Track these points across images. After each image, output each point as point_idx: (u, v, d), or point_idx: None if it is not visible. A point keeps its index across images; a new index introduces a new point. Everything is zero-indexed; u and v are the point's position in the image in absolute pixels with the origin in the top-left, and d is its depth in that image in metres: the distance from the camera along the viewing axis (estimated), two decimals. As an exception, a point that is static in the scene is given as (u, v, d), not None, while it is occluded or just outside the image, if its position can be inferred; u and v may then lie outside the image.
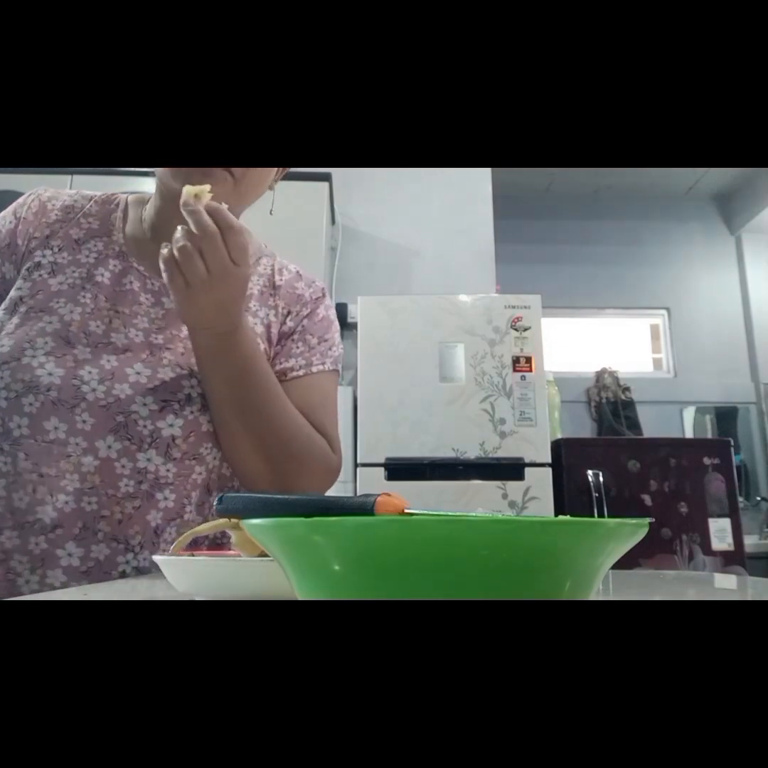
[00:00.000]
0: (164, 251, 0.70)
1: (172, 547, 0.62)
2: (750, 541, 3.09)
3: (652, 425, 4.05)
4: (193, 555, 0.54)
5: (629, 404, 4.11)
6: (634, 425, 4.06)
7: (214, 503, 0.41)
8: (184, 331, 0.82)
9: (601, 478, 2.74)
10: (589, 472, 2.75)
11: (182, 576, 0.48)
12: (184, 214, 0.68)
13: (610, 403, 4.10)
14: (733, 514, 2.75)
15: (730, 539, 2.71)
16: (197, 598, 0.48)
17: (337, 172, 3.02)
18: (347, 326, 2.89)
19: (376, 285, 3.13)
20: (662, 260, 4.43)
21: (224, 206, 0.69)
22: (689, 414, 4.17)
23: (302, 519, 0.31)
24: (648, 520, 0.32)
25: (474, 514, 0.31)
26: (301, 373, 0.88)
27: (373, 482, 2.46)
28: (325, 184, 2.88)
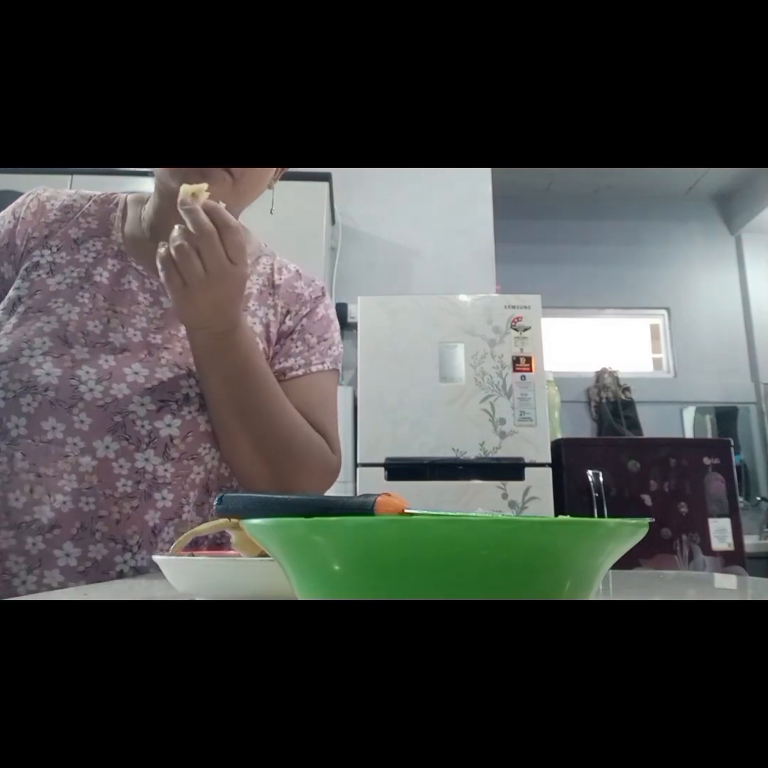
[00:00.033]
0: (161, 250, 0.69)
1: (172, 547, 0.62)
2: (750, 541, 3.09)
3: (652, 425, 4.05)
4: (193, 555, 0.54)
5: (629, 404, 4.11)
6: (634, 425, 4.06)
7: (214, 503, 0.41)
8: (183, 330, 0.82)
9: (601, 478, 2.74)
10: (589, 472, 2.75)
11: (182, 576, 0.48)
12: (181, 213, 0.68)
13: (610, 403, 4.10)
14: (733, 514, 2.75)
15: (730, 539, 2.71)
16: (197, 598, 0.48)
17: (337, 172, 3.02)
18: (347, 326, 2.89)
19: (376, 285, 3.13)
20: (662, 260, 4.43)
21: (222, 205, 0.69)
22: (689, 414, 4.17)
23: (302, 519, 0.31)
24: (648, 520, 0.32)
25: (474, 514, 0.31)
26: (300, 372, 0.88)
27: (373, 482, 2.46)
28: (325, 184, 2.89)
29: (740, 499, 2.98)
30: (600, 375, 4.20)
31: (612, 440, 3.47)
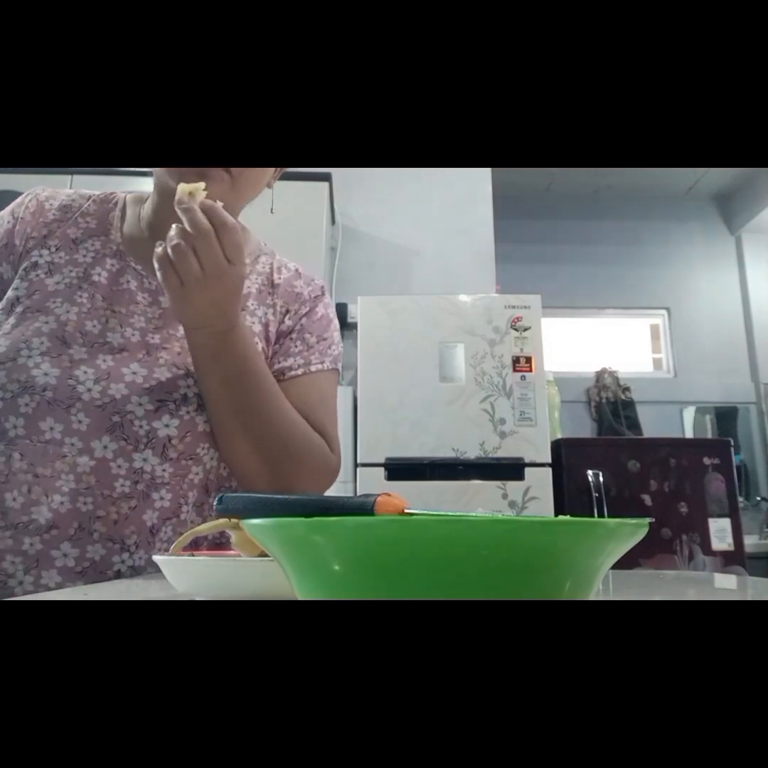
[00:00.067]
0: (159, 250, 0.69)
1: (172, 547, 0.62)
2: (750, 541, 3.09)
3: (652, 425, 4.05)
4: (193, 555, 0.54)
5: (629, 404, 4.11)
6: (634, 425, 4.06)
7: (214, 503, 0.41)
8: (181, 330, 0.81)
9: (601, 478, 2.74)
10: (589, 472, 2.75)
11: (182, 576, 0.48)
12: (178, 212, 0.68)
13: (610, 403, 4.10)
14: (733, 514, 2.75)
15: (730, 539, 2.71)
16: (197, 598, 0.48)
17: (337, 172, 3.02)
18: (347, 326, 2.89)
19: (376, 285, 3.13)
20: (662, 260, 4.43)
21: (219, 204, 0.69)
22: (689, 414, 4.17)
23: (302, 519, 0.31)
24: (648, 520, 0.32)
25: (474, 514, 0.31)
26: (299, 372, 0.88)
27: (373, 482, 2.46)
28: (325, 184, 2.89)
29: (740, 499, 2.98)
30: (600, 375, 4.20)
31: (612, 440, 3.47)
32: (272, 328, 0.89)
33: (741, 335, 4.33)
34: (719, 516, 2.74)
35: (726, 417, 4.14)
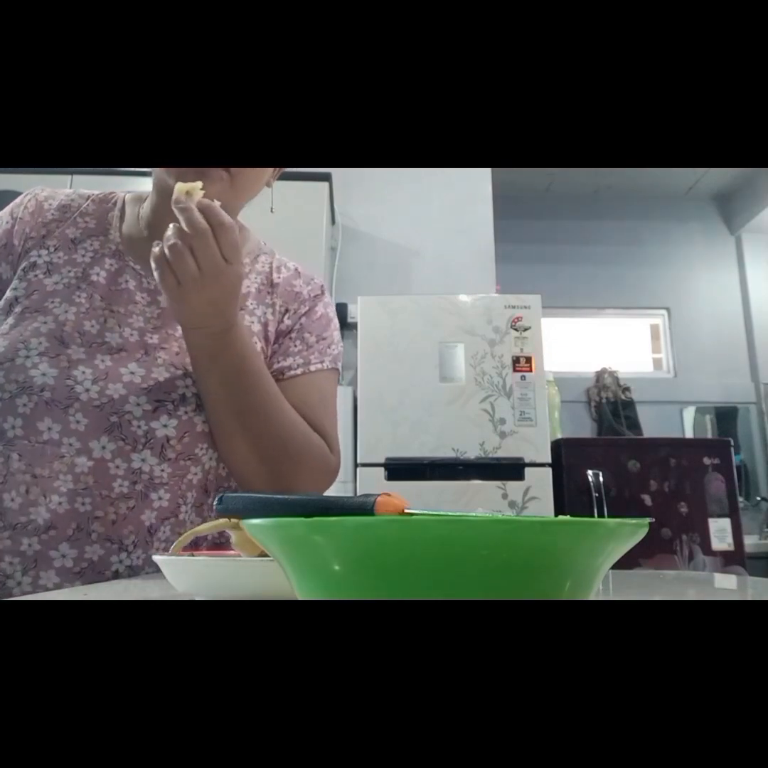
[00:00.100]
0: (156, 249, 0.69)
1: (172, 547, 0.62)
2: (750, 541, 3.09)
3: (652, 425, 4.05)
4: (193, 555, 0.54)
5: (629, 404, 4.11)
6: (634, 425, 4.06)
7: (214, 503, 0.41)
8: (180, 330, 0.81)
9: (601, 478, 2.74)
10: (589, 472, 2.75)
11: (182, 576, 0.48)
12: (176, 211, 0.67)
13: (610, 403, 4.10)
14: (733, 514, 2.75)
15: (730, 539, 2.71)
16: (197, 598, 0.48)
17: (337, 172, 3.02)
18: (347, 326, 2.89)
19: (376, 285, 3.13)
20: (662, 260, 4.43)
21: (216, 203, 0.69)
22: (689, 414, 4.17)
23: (302, 519, 0.31)
24: (648, 520, 0.32)
25: (474, 514, 0.31)
26: (298, 371, 0.87)
27: (373, 482, 2.46)
28: (325, 184, 2.89)
29: (740, 499, 2.99)
30: (600, 375, 4.20)
31: (612, 440, 3.47)
32: (271, 328, 0.89)
33: (741, 335, 4.34)
34: (719, 516, 2.74)
35: (726, 417, 4.14)
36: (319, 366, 0.89)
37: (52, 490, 0.74)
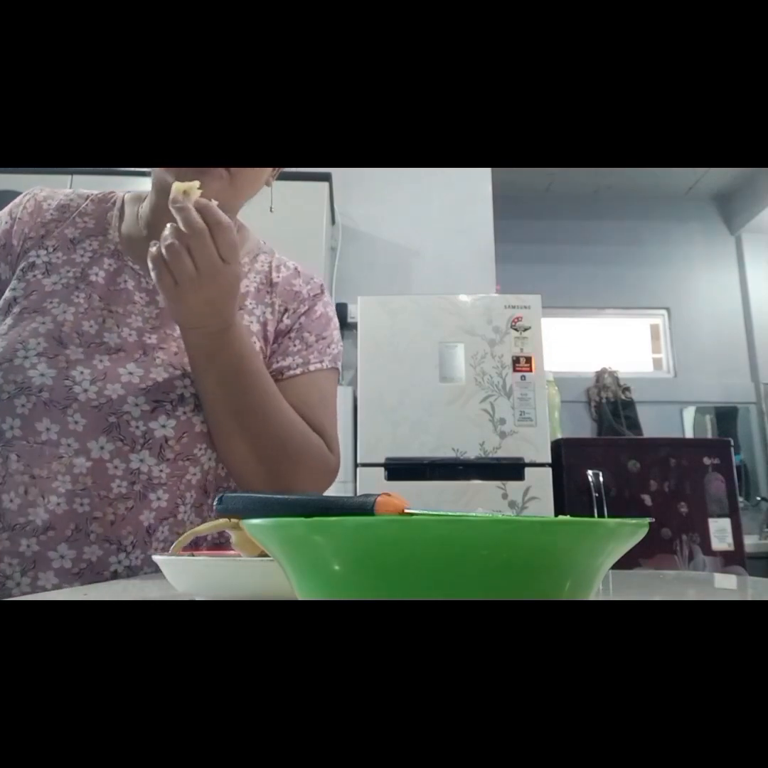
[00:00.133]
0: (153, 249, 0.69)
1: (172, 547, 0.62)
2: (750, 541, 3.09)
3: (652, 425, 4.05)
4: (193, 555, 0.54)
5: (629, 404, 4.11)
6: (634, 425, 4.06)
7: (214, 503, 0.41)
8: (178, 330, 0.81)
9: (601, 478, 2.74)
10: (589, 472, 2.75)
11: (182, 576, 0.48)
12: (173, 211, 0.67)
13: (610, 403, 4.10)
14: (733, 514, 2.75)
15: (730, 539, 2.71)
16: (197, 598, 0.48)
17: (337, 172, 3.02)
18: (347, 326, 2.89)
19: (376, 285, 3.13)
20: (662, 260, 4.43)
21: (214, 203, 0.68)
22: (689, 414, 4.17)
23: (302, 519, 0.31)
24: (648, 520, 0.32)
25: (474, 514, 0.31)
26: (298, 371, 0.87)
27: (373, 482, 2.46)
28: (325, 184, 2.89)
29: (740, 499, 2.99)
30: (600, 375, 4.20)
31: (612, 440, 3.47)
32: (270, 327, 0.88)
33: (741, 335, 4.34)
34: (719, 516, 2.74)
35: (726, 417, 4.14)
36: (318, 365, 0.88)
37: (51, 491, 0.74)
